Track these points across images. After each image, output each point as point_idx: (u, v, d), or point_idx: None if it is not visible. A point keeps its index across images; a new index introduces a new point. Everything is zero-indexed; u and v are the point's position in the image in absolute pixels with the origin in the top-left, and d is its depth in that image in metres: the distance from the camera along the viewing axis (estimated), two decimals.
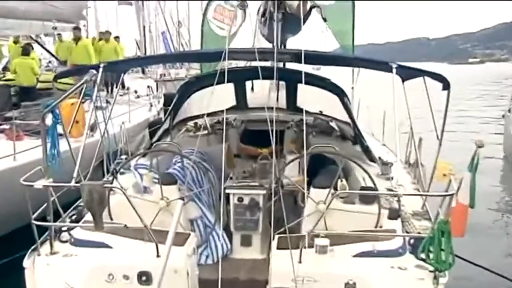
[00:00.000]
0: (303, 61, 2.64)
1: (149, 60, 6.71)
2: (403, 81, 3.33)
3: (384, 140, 5.29)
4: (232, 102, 5.05)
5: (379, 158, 3.89)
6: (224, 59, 2.76)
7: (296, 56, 3.53)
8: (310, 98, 5.11)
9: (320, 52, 3.76)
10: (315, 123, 4.79)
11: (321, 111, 4.93)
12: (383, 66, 3.13)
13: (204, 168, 3.34)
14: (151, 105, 8.90)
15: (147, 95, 9.56)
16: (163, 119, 6.66)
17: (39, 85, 7.37)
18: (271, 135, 2.43)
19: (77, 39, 8.73)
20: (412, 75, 3.24)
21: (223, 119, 4.85)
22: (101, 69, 3.17)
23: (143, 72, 12.48)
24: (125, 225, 2.36)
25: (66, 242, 2.52)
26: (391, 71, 2.92)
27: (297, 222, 2.78)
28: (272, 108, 2.94)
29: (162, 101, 9.97)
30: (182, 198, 2.33)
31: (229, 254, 3.03)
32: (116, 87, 7.24)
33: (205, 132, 4.53)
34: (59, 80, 4.08)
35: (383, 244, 2.34)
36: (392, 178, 3.34)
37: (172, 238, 2.13)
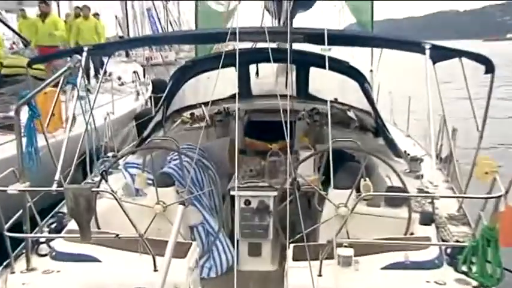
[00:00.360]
0: (326, 42, 2.60)
1: (142, 41, 6.43)
2: (434, 63, 3.29)
3: (409, 130, 5.27)
4: (234, 89, 5.03)
5: (405, 152, 3.88)
6: (231, 39, 2.71)
7: (310, 36, 3.48)
8: (324, 83, 5.09)
9: (343, 31, 3.71)
10: (327, 112, 4.80)
11: (336, 99, 4.92)
12: (414, 46, 3.09)
13: (205, 167, 3.35)
14: (138, 94, 8.89)
15: (133, 82, 9.51)
16: (153, 110, 6.69)
17: (3, 71, 7.19)
18: (284, 128, 2.38)
19: (43, 15, 8.29)
20: (446, 57, 3.20)
21: (224, 108, 4.89)
22: (84, 54, 3.12)
23: (127, 55, 12.41)
24: (117, 235, 2.33)
25: (45, 255, 2.46)
26: (423, 53, 2.88)
27: (313, 228, 2.78)
28: (285, 96, 2.90)
29: (150, 88, 9.94)
30: (183, 203, 2.30)
31: (236, 265, 3.03)
32: (99, 73, 7.19)
33: (204, 124, 4.54)
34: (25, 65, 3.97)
35: (416, 254, 2.30)
36: (422, 176, 3.34)
37: (172, 249, 2.09)
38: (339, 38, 3.62)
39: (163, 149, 3.45)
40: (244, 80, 4.99)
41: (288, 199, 2.60)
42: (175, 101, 4.46)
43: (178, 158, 3.24)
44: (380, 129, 4.06)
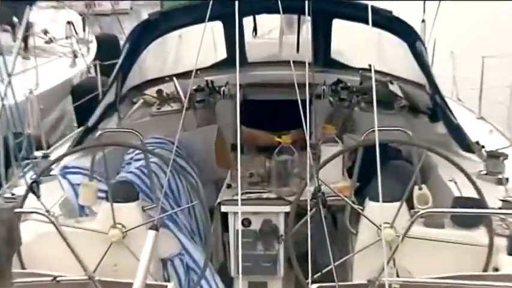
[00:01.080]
0: None
1: None
2: None
3: (482, 110, 5.29)
4: (220, 54, 5.07)
5: (478, 143, 3.89)
6: None
7: None
8: (353, 44, 5.07)
9: None
10: (363, 87, 4.81)
11: (371, 66, 4.86)
12: None
13: (182, 170, 3.38)
14: (75, 56, 8.86)
15: (67, 38, 9.42)
16: (98, 81, 6.62)
17: None
18: (301, 110, 2.36)
19: None
20: None
21: (207, 82, 4.88)
22: None
23: None
24: (54, 278, 2.31)
25: None
26: None
27: (345, 260, 2.79)
28: (299, 63, 2.86)
29: (94, 48, 9.82)
30: (155, 226, 2.34)
31: None
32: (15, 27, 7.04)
33: (177, 107, 4.56)
34: None
35: None
36: (507, 180, 3.34)
37: None
38: None
39: (121, 146, 3.43)
40: (236, 40, 4.98)
41: (308, 216, 2.59)
42: (134, 71, 4.42)
43: (142, 157, 3.22)
44: (439, 110, 4.04)
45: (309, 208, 2.59)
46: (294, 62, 2.75)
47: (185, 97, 4.49)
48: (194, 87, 4.82)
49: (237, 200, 3.02)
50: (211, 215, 3.42)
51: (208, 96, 4.76)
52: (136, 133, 3.09)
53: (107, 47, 9.82)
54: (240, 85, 4.70)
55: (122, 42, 6.14)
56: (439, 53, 6.05)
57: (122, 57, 4.15)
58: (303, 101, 2.40)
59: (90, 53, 9.52)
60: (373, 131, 2.78)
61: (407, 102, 4.60)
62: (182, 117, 2.76)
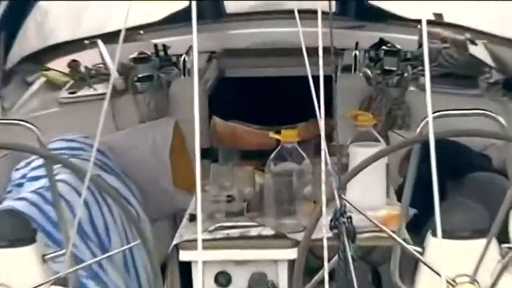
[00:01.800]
0: None
1: None
2: None
3: None
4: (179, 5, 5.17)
5: None
6: None
7: None
8: None
9: None
10: (420, 51, 4.92)
11: (438, 16, 5.12)
12: None
13: (113, 192, 3.32)
14: None
15: None
16: None
17: None
18: (314, 94, 2.32)
19: None
20: None
21: (156, 48, 5.03)
22: None
23: None
24: None
25: None
26: None
27: None
28: (310, 13, 2.86)
29: None
30: (64, 283, 2.31)
31: None
32: None
33: (103, 89, 4.62)
34: None
35: None
36: None
37: None
38: None
39: (4, 148, 3.48)
40: None
41: (326, 266, 2.55)
42: (28, 30, 4.50)
43: (43, 174, 3.31)
44: None
45: (325, 248, 2.54)
46: (302, 12, 2.72)
47: (118, 72, 4.57)
48: (134, 55, 4.86)
49: (202, 240, 3.05)
50: (164, 267, 3.45)
51: (158, 71, 4.80)
52: (33, 127, 3.08)
53: None
54: (210, 55, 4.74)
55: None
56: None
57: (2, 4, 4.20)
58: (317, 77, 2.37)
59: None
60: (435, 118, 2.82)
61: (501, 76, 4.71)
62: (105, 103, 2.70)
